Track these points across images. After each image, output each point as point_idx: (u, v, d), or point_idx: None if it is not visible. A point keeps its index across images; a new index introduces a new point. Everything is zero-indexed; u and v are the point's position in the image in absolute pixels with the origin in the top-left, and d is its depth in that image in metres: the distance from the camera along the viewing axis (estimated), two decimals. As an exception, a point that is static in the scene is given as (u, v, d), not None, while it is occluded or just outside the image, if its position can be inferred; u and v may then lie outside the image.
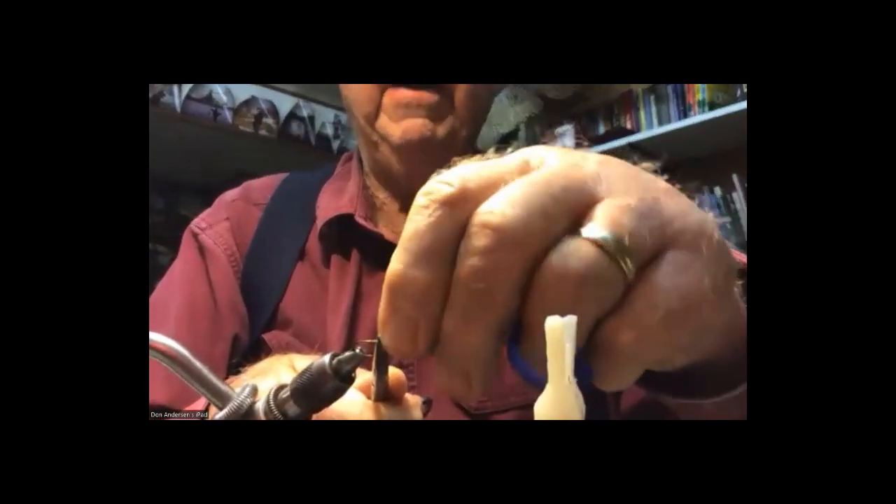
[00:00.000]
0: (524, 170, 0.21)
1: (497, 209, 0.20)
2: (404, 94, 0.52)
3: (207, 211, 0.61)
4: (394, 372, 0.31)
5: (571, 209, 0.20)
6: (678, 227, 0.21)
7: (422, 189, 0.21)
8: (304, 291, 0.55)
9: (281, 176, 0.64)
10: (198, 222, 0.60)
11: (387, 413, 0.31)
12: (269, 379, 0.34)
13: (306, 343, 0.51)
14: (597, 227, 0.20)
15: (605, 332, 0.21)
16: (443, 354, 0.21)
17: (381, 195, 0.60)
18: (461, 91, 0.53)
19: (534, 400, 0.23)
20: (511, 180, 0.20)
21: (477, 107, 0.56)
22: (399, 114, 0.53)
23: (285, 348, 0.49)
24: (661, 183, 0.23)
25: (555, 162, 0.21)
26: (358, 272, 0.55)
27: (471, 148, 0.60)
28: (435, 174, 0.21)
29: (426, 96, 0.52)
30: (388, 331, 0.21)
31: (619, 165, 0.22)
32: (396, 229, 0.58)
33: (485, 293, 0.20)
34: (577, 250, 0.20)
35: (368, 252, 0.55)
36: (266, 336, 0.52)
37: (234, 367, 0.44)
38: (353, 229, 0.55)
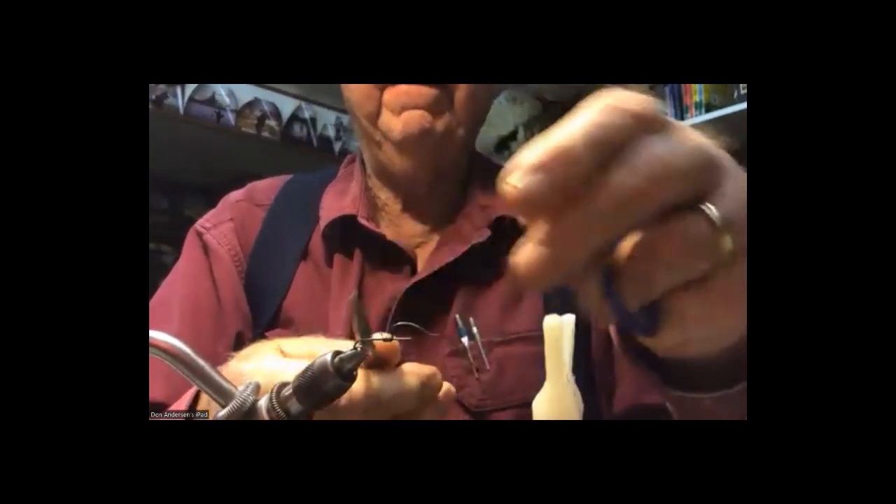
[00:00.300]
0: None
1: (679, 139, 0.21)
2: (405, 87, 0.53)
3: (212, 211, 0.62)
4: (387, 343, 0.31)
5: (709, 181, 0.22)
6: None
7: (612, 95, 0.22)
8: (307, 291, 0.55)
9: (285, 177, 0.65)
10: (202, 222, 0.60)
11: (377, 382, 0.31)
12: (253, 361, 0.34)
13: None
14: (721, 210, 0.22)
15: (680, 297, 0.22)
16: (551, 237, 0.21)
17: (383, 196, 0.60)
18: (461, 91, 0.54)
19: (533, 398, 0.23)
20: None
21: (475, 108, 0.57)
22: (399, 106, 0.53)
23: None
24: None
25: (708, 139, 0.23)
26: (360, 271, 0.55)
27: (468, 149, 0.61)
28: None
29: (426, 90, 0.52)
30: (536, 178, 0.21)
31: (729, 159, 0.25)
32: (398, 229, 0.58)
33: (631, 202, 0.21)
34: (699, 223, 0.21)
35: (370, 252, 0.56)
36: (269, 335, 0.52)
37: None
38: (356, 230, 0.56)
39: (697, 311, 0.23)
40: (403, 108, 0.53)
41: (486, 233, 0.55)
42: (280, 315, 0.55)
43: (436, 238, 0.57)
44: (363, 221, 0.56)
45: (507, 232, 0.55)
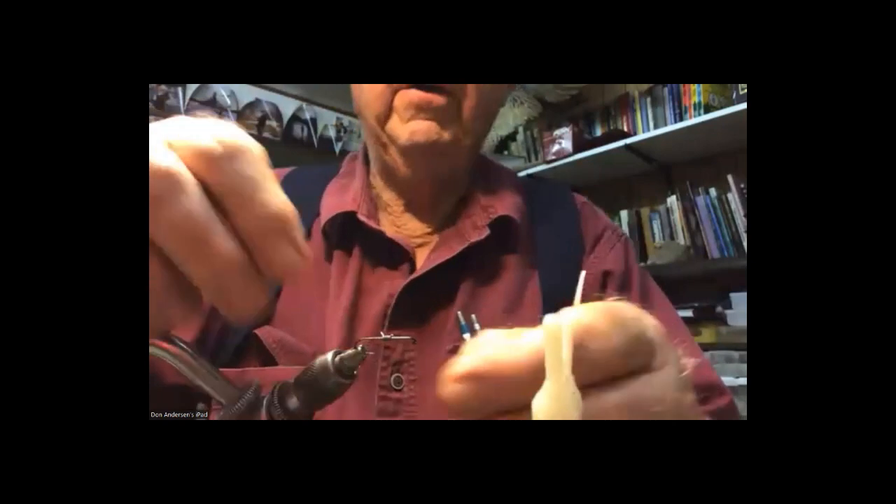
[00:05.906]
0: None
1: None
2: (415, 95, 0.52)
3: None
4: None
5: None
6: None
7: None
8: (304, 286, 0.55)
9: (285, 170, 0.65)
10: None
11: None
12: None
13: (302, 338, 0.50)
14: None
15: None
16: None
17: (386, 196, 0.61)
18: (469, 101, 0.54)
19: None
20: None
21: (483, 119, 0.57)
22: (408, 114, 0.53)
23: (277, 344, 0.49)
24: None
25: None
26: (359, 268, 0.55)
27: (474, 157, 0.61)
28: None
29: (436, 99, 0.52)
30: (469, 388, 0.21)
31: None
32: (400, 229, 0.59)
33: None
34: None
35: (370, 249, 0.56)
36: (259, 332, 0.50)
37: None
38: (356, 227, 0.56)
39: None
40: (412, 117, 0.53)
41: (485, 231, 0.55)
42: (275, 310, 0.53)
43: (436, 238, 0.58)
44: (363, 218, 0.56)
45: (507, 232, 0.56)
